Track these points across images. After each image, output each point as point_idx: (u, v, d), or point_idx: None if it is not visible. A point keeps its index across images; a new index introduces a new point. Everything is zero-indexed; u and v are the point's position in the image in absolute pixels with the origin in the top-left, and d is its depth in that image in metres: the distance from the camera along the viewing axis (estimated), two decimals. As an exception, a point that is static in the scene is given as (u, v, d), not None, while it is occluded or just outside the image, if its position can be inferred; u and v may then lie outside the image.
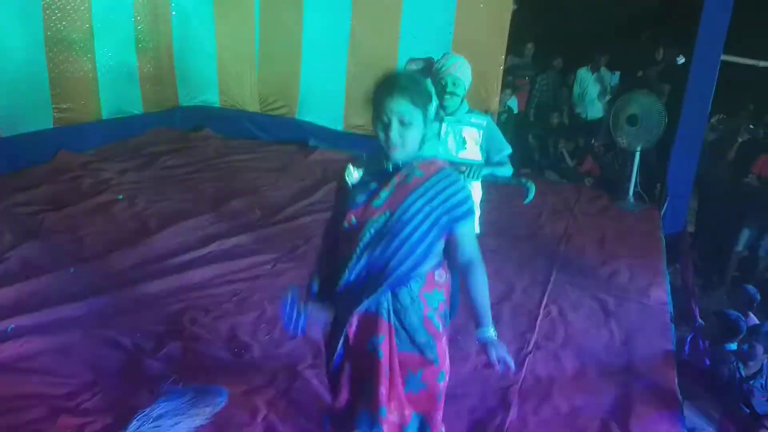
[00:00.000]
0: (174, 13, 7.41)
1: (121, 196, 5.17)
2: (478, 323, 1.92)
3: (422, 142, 1.87)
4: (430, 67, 2.83)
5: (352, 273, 1.88)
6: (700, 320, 4.28)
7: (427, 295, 1.89)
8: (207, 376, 2.91)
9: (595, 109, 7.62)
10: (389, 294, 1.86)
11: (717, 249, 6.16)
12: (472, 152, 2.89)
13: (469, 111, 2.91)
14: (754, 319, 4.15)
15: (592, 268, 4.58)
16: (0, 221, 4.40)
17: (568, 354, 3.41)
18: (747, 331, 3.63)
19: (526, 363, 3.27)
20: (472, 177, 2.80)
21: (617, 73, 7.64)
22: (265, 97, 7.52)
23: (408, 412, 1.89)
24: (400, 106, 1.79)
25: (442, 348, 1.92)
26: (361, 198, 1.91)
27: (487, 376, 3.11)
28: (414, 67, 2.82)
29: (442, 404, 1.94)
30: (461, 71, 2.83)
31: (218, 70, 7.60)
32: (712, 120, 6.24)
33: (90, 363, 2.97)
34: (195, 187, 5.62)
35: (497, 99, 6.68)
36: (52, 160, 5.87)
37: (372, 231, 1.86)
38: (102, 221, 4.70)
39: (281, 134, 7.41)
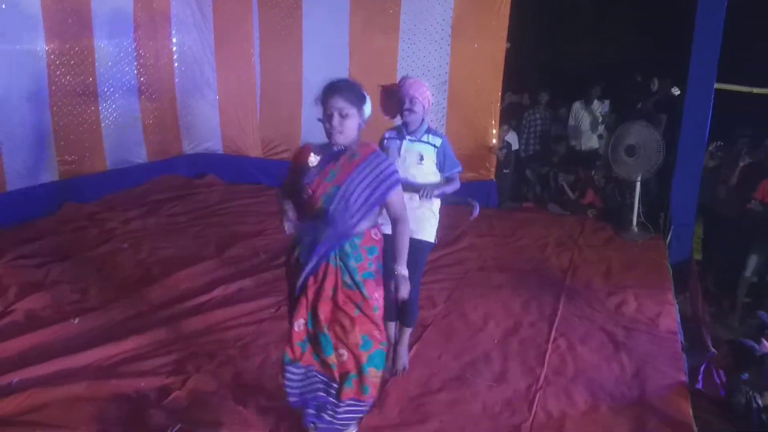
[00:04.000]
0: (177, 64, 7.60)
1: (125, 245, 5.20)
2: (394, 260, 2.55)
3: (358, 130, 2.48)
4: (395, 90, 3.20)
5: (310, 234, 2.46)
6: (712, 349, 4.20)
7: (365, 247, 2.50)
8: (212, 424, 2.87)
9: (589, 141, 7.69)
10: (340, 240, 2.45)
11: (725, 276, 6.10)
12: (428, 168, 3.18)
13: (428, 131, 3.21)
14: (768, 347, 4.07)
15: (600, 300, 4.54)
16: (6, 274, 4.43)
17: (580, 388, 3.35)
18: (761, 358, 3.56)
19: (536, 399, 3.20)
20: (427, 197, 3.07)
21: (607, 101, 7.74)
22: (267, 142, 7.64)
23: (357, 331, 2.47)
24: (338, 102, 2.41)
25: (373, 287, 2.51)
26: (312, 176, 2.47)
27: (497, 413, 3.06)
28: (383, 89, 3.25)
29: (381, 325, 2.54)
30: (418, 91, 3.14)
31: (221, 117, 7.74)
32: (710, 147, 6.26)
33: (95, 414, 2.94)
34: (199, 233, 5.65)
35: (494, 134, 6.75)
36: (57, 211, 5.94)
37: (324, 199, 2.44)
38: (107, 270, 4.72)
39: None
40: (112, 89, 6.73)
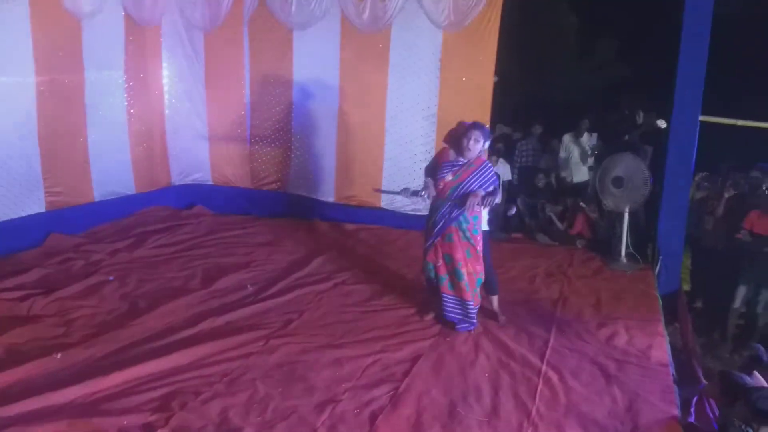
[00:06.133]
0: (167, 96, 7.63)
1: (111, 277, 5.13)
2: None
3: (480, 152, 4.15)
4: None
5: (441, 209, 4.17)
6: (704, 381, 4.18)
7: (473, 217, 4.10)
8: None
9: (579, 173, 7.77)
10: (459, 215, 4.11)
11: (713, 306, 6.11)
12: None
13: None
14: (760, 379, 4.04)
15: (590, 332, 4.51)
16: (-12, 308, 4.34)
17: (572, 423, 3.30)
18: (751, 390, 3.53)
19: (528, 435, 3.15)
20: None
21: (595, 134, 7.84)
22: (256, 173, 7.64)
23: (472, 265, 4.18)
24: (475, 134, 4.07)
25: (478, 240, 4.15)
26: (445, 174, 4.16)
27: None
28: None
29: (482, 264, 4.22)
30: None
31: (210, 149, 7.75)
32: (696, 178, 6.33)
33: (74, 454, 2.85)
34: (186, 265, 5.59)
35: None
36: (43, 243, 5.86)
37: (450, 190, 4.12)
38: (92, 303, 4.65)
39: (273, 208, 7.48)
40: (101, 120, 6.72)
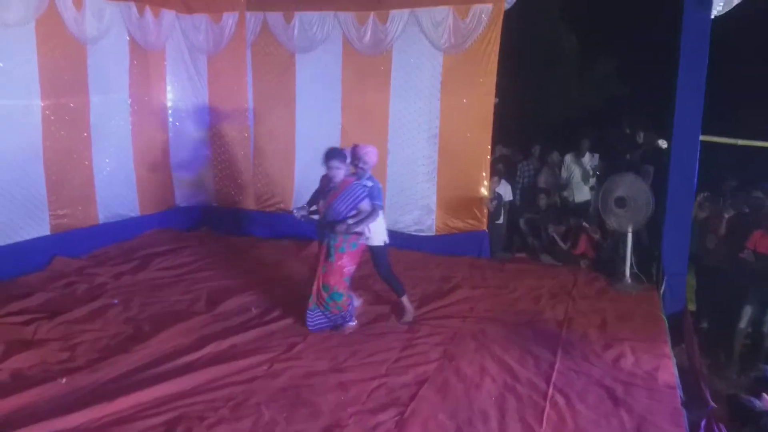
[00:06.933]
0: (171, 119, 7.69)
1: (115, 301, 5.13)
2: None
3: (343, 175, 4.51)
4: (354, 150, 4.71)
5: (321, 228, 4.59)
6: (712, 403, 4.14)
7: (344, 236, 4.46)
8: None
9: (581, 193, 7.79)
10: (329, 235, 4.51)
11: (720, 327, 6.07)
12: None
13: (369, 177, 4.69)
14: (768, 401, 4.01)
15: (597, 353, 4.49)
16: (-7, 332, 4.34)
17: (580, 448, 3.28)
18: (761, 415, 3.51)
19: (536, 460, 3.12)
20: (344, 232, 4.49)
21: (596, 155, 7.87)
22: (260, 195, 7.67)
23: (325, 281, 4.55)
24: (333, 162, 4.47)
25: (341, 256, 4.50)
26: (325, 196, 4.56)
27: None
28: (346, 152, 4.66)
29: (341, 280, 4.55)
30: (368, 155, 4.69)
31: (214, 170, 7.79)
32: (699, 197, 6.34)
33: (79, 482, 2.83)
34: (190, 288, 5.60)
35: (485, 186, 6.83)
36: (47, 266, 5.87)
37: (327, 209, 4.51)
38: (96, 327, 4.64)
39: (277, 229, 7.49)
40: (106, 143, 6.78)
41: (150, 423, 3.35)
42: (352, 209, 4.44)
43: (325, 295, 4.51)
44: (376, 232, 4.77)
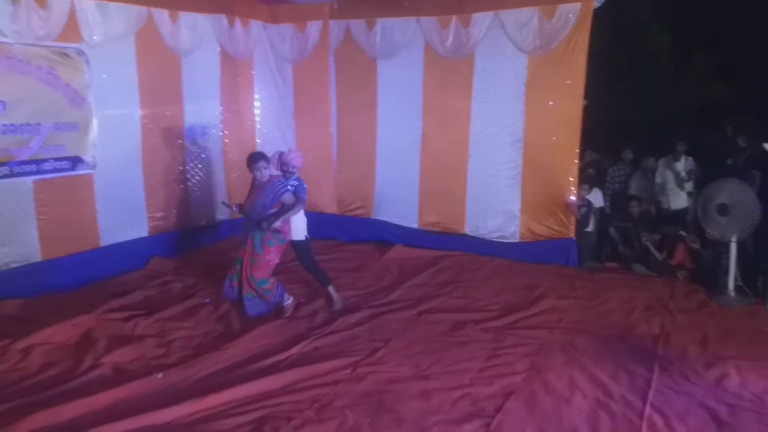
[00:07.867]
0: (258, 126, 7.95)
1: (207, 300, 5.34)
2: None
3: (269, 174, 4.92)
4: (281, 156, 5.18)
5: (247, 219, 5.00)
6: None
7: (272, 231, 4.82)
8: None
9: (677, 199, 7.33)
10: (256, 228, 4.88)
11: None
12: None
13: (296, 178, 5.14)
14: None
15: (698, 372, 4.18)
16: (97, 327, 4.64)
17: (682, 473, 3.05)
18: None
19: (633, 483, 2.94)
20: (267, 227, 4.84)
21: (690, 158, 7.39)
22: (342, 200, 7.77)
23: (252, 273, 4.90)
24: (259, 163, 4.85)
25: (269, 250, 4.88)
26: (250, 195, 4.98)
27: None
28: (275, 156, 5.18)
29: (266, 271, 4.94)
30: (294, 159, 5.16)
31: (299, 175, 7.94)
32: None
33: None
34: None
35: (573, 192, 6.56)
36: (145, 266, 6.20)
37: (252, 204, 4.89)
38: (189, 325, 4.85)
39: (358, 234, 7.56)
40: (198, 150, 7.10)
41: (238, 421, 3.45)
42: (276, 201, 4.81)
43: (253, 284, 4.86)
44: (298, 228, 5.13)
